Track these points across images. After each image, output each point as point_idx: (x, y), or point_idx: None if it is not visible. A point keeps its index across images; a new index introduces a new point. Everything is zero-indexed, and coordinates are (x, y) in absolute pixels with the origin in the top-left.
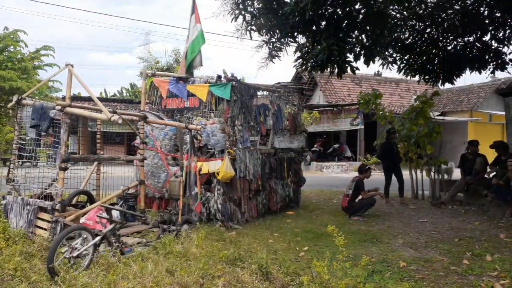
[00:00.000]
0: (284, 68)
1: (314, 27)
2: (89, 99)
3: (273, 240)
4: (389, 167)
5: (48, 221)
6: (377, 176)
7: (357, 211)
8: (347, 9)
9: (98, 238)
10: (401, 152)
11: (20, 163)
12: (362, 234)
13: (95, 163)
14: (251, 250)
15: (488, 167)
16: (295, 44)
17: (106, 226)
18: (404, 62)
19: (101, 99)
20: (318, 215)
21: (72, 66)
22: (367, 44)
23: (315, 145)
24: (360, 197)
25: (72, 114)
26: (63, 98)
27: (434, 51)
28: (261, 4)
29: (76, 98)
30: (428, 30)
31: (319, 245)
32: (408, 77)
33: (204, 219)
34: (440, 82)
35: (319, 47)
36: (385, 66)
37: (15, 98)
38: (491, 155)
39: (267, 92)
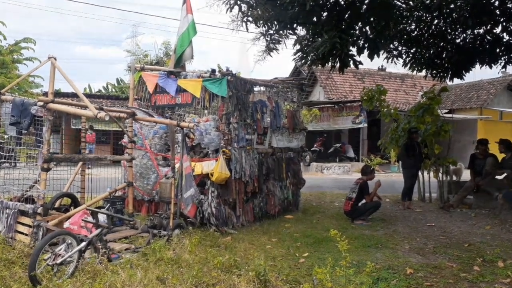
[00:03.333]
0: (282, 62)
1: (315, 18)
2: (72, 95)
3: (271, 245)
4: (411, 169)
5: (30, 226)
6: (381, 177)
7: (361, 215)
8: None
9: (83, 244)
10: (424, 153)
11: None
12: (366, 239)
13: (80, 163)
14: (247, 256)
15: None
16: (295, 37)
17: (91, 231)
18: (410, 55)
19: (85, 95)
20: (319, 219)
21: (55, 59)
22: (371, 36)
23: (315, 145)
24: (364, 200)
25: (55, 110)
26: (45, 94)
27: (442, 44)
28: None
29: (57, 94)
30: (436, 21)
31: (321, 251)
32: (414, 72)
33: (197, 224)
34: (448, 77)
35: (320, 39)
36: (390, 60)
37: None
38: (501, 154)
39: (265, 88)
